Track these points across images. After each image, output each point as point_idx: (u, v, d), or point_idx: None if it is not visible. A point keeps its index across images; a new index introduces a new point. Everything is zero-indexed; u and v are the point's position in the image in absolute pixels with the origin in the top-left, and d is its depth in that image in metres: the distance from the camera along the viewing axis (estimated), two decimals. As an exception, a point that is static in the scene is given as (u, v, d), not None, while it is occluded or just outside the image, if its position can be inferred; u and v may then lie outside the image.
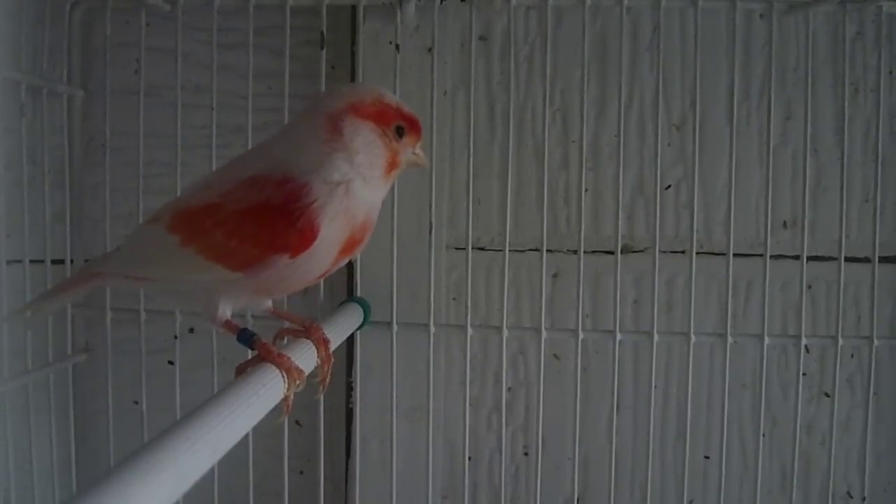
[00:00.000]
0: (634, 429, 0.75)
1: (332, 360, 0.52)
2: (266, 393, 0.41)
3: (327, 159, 0.43)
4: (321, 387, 0.52)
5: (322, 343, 0.50)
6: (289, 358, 0.44)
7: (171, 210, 0.46)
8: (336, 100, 0.45)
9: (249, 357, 0.45)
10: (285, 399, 0.44)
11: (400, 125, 0.46)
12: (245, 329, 0.46)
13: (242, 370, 0.44)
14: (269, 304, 0.50)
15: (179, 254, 0.43)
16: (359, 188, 0.44)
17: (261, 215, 0.42)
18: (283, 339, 0.51)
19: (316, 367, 0.50)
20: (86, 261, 0.52)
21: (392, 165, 0.46)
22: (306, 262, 0.43)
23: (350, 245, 0.45)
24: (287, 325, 0.52)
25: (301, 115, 0.47)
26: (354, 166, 0.44)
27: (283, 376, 0.43)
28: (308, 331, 0.51)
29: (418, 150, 0.48)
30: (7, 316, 0.62)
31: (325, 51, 0.69)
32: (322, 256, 0.43)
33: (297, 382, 0.44)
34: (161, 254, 0.45)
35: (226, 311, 0.46)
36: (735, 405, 0.74)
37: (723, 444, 0.65)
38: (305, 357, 0.48)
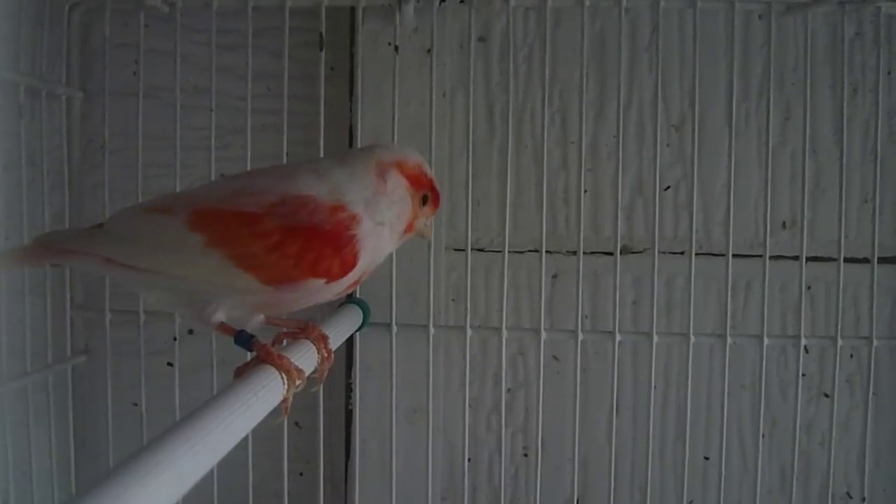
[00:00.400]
0: (634, 430, 0.75)
1: (333, 357, 0.52)
2: (265, 394, 0.41)
3: (374, 199, 0.46)
4: (319, 382, 0.52)
5: (321, 340, 0.51)
6: (288, 359, 0.44)
7: (189, 205, 0.44)
8: (387, 152, 0.48)
9: (248, 359, 0.45)
10: (284, 400, 0.44)
11: (427, 195, 0.49)
12: (242, 331, 0.46)
13: (241, 373, 0.44)
14: (262, 317, 0.50)
15: (202, 254, 0.43)
16: (386, 234, 0.47)
17: (310, 237, 0.43)
18: (281, 342, 0.51)
19: (317, 366, 0.50)
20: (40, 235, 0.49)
21: (410, 227, 0.49)
22: (331, 289, 0.45)
23: (356, 282, 0.48)
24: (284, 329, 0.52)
25: (355, 153, 0.49)
26: (390, 214, 0.47)
27: (282, 378, 0.43)
28: (305, 331, 0.51)
29: (429, 223, 0.51)
30: None
31: (323, 52, 0.69)
32: (344, 285, 0.46)
33: (298, 383, 0.44)
34: (177, 249, 0.44)
35: (221, 314, 0.45)
36: (734, 406, 0.74)
37: (722, 444, 0.65)
38: (306, 357, 0.48)
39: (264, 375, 0.42)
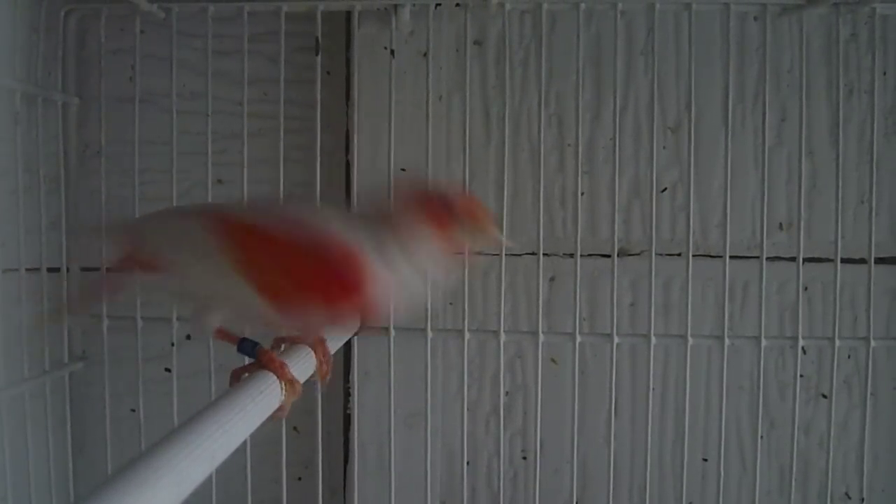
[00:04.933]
0: (632, 432, 0.75)
1: (332, 358, 0.52)
2: (263, 400, 0.41)
3: (383, 237, 0.44)
4: (322, 381, 0.52)
5: (319, 343, 0.51)
6: (289, 368, 0.44)
7: (213, 212, 0.46)
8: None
9: (247, 363, 0.45)
10: (281, 408, 0.43)
11: (445, 208, 0.45)
12: (245, 339, 0.46)
13: (238, 376, 0.44)
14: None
15: (215, 258, 0.43)
16: (405, 269, 0.45)
17: (317, 261, 0.42)
18: (279, 346, 0.51)
19: (315, 370, 0.50)
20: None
21: (444, 239, 0.45)
22: (335, 314, 0.44)
23: (369, 311, 0.46)
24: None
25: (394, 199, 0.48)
26: (401, 249, 0.44)
27: (281, 387, 0.43)
28: (305, 335, 0.51)
29: (484, 226, 0.46)
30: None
31: (320, 56, 0.69)
32: (350, 314, 0.45)
33: (294, 397, 0.44)
34: (193, 248, 0.45)
35: (215, 319, 0.45)
36: (733, 407, 0.74)
37: (721, 446, 0.65)
38: (304, 362, 0.48)
39: (262, 381, 0.42)
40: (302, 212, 0.47)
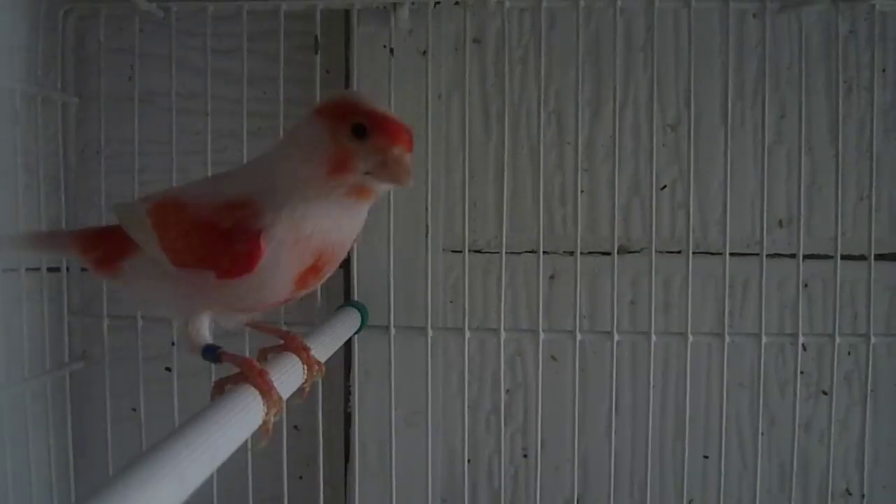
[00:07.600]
0: (633, 429, 0.75)
1: (318, 367, 0.49)
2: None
3: (278, 171, 0.41)
4: (304, 398, 0.48)
5: (302, 350, 0.48)
6: (271, 383, 0.41)
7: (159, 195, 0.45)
8: (311, 108, 0.42)
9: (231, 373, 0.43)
10: (265, 424, 0.40)
11: (359, 123, 0.39)
12: (208, 346, 0.44)
13: (222, 387, 0.42)
14: (242, 318, 0.48)
15: (149, 233, 0.43)
16: (311, 213, 0.40)
17: (208, 233, 0.40)
18: (265, 358, 0.48)
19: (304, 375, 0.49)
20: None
21: (339, 167, 0.39)
22: (252, 288, 0.41)
23: (308, 274, 0.42)
24: (268, 341, 0.50)
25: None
26: (296, 172, 0.40)
27: (263, 402, 0.40)
28: (286, 342, 0.48)
29: (396, 158, 0.39)
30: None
31: (319, 55, 0.69)
32: (272, 284, 0.41)
33: (275, 412, 0.41)
34: (139, 229, 0.44)
35: (203, 330, 0.44)
36: (733, 404, 0.74)
37: (721, 443, 0.65)
38: (289, 372, 0.46)
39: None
40: (220, 176, 0.46)
